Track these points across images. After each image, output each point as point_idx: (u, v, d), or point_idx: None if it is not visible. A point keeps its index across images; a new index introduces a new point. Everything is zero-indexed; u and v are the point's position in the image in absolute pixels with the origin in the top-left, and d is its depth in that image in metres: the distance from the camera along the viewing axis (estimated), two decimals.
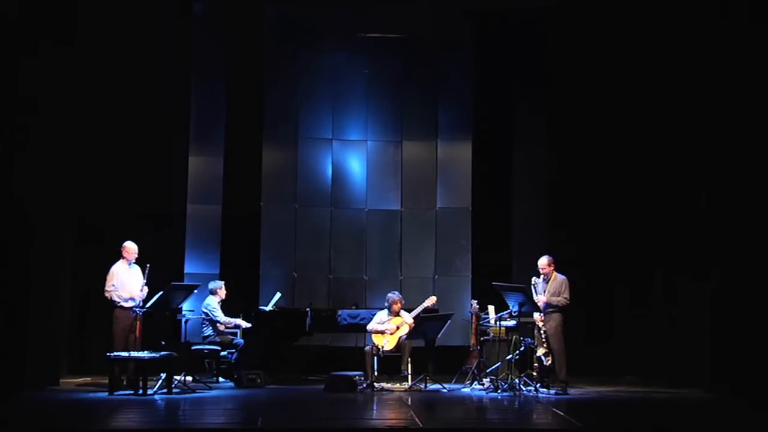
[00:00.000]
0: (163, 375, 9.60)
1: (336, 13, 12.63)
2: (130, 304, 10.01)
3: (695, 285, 10.76)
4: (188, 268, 11.99)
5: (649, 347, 11.46)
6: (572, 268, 10.51)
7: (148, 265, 10.05)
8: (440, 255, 12.49)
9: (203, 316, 10.86)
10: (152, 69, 11.81)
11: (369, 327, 10.85)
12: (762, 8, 9.85)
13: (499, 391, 9.90)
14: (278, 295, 11.36)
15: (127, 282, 10.05)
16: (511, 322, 10.38)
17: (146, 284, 10.01)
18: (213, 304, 10.87)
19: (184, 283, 11.10)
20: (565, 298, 9.97)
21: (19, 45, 9.97)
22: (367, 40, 12.70)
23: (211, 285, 11.02)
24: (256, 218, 12.31)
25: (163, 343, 9.87)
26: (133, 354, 9.59)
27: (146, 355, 9.55)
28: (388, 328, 10.68)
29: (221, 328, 10.84)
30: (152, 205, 11.88)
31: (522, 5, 12.32)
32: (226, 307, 11.01)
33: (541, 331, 9.99)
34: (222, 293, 10.98)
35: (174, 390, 9.59)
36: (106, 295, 10.00)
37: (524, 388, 9.94)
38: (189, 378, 10.27)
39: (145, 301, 10.04)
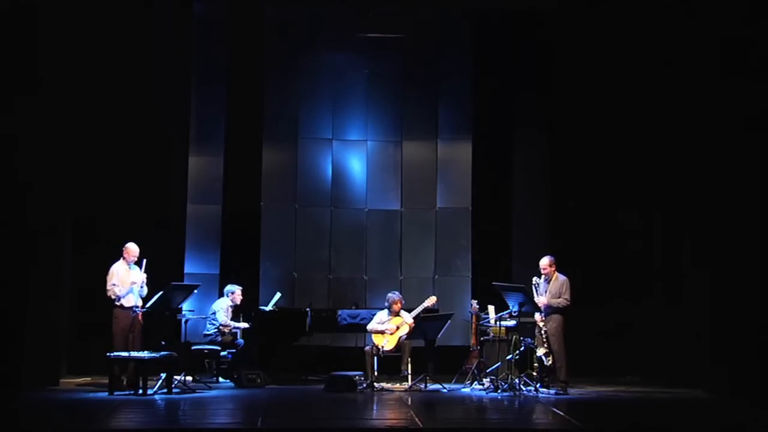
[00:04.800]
0: (163, 375, 9.61)
1: (336, 13, 12.62)
2: (130, 302, 10.02)
3: (696, 285, 10.76)
4: (188, 268, 11.98)
5: (650, 347, 11.46)
6: (572, 269, 10.51)
7: (144, 260, 10.08)
8: (440, 255, 12.48)
9: (210, 314, 10.92)
10: (152, 69, 11.80)
11: (369, 327, 10.85)
12: (759, 9, 9.85)
13: (499, 391, 9.90)
14: (278, 295, 11.36)
15: (126, 282, 10.05)
16: (511, 322, 10.38)
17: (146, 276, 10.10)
18: (222, 305, 10.92)
19: (184, 283, 11.11)
20: (566, 299, 9.96)
21: (18, 42, 9.97)
22: (367, 40, 12.68)
23: (226, 288, 11.08)
24: (256, 218, 12.31)
25: (163, 343, 9.88)
26: (133, 354, 9.60)
27: (146, 355, 9.55)
28: (388, 328, 10.69)
29: (223, 328, 10.85)
30: (152, 205, 11.88)
31: (522, 6, 12.31)
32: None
33: (542, 332, 9.99)
34: (235, 298, 11.01)
35: (174, 390, 9.60)
36: (108, 293, 10.01)
37: (524, 388, 9.94)
38: (189, 378, 10.27)
39: (145, 301, 10.05)
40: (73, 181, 11.18)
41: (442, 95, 12.68)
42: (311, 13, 12.60)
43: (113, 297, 10.00)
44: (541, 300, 9.98)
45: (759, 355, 9.66)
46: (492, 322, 10.67)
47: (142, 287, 10.10)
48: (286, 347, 11.33)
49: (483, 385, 10.34)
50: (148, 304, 9.97)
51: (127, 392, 9.51)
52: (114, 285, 10.00)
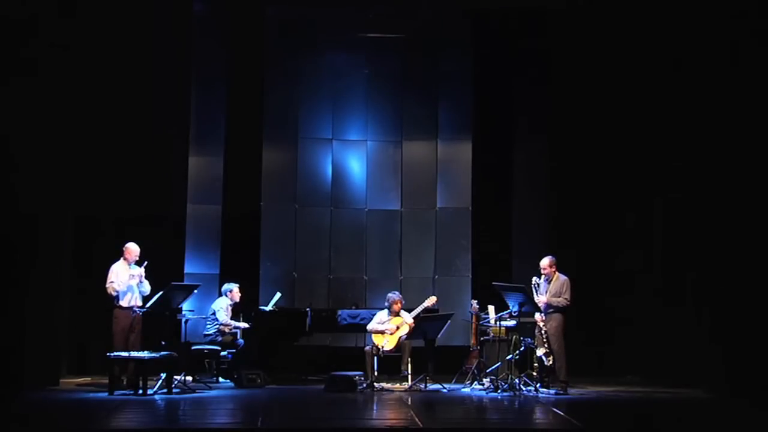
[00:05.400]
0: (163, 375, 9.61)
1: (336, 13, 12.62)
2: (129, 302, 10.03)
3: (696, 285, 10.76)
4: (188, 268, 11.98)
5: (650, 347, 11.46)
6: (572, 269, 10.51)
7: (146, 261, 10.09)
8: (440, 255, 12.48)
9: (210, 314, 10.92)
10: (152, 69, 11.81)
11: (369, 327, 10.85)
12: (762, 7, 9.86)
13: (499, 391, 9.90)
14: (278, 295, 11.36)
15: (124, 279, 10.05)
16: (511, 322, 10.38)
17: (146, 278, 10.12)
18: (222, 304, 10.92)
19: (184, 283, 11.11)
20: (566, 299, 9.97)
21: (19, 43, 9.97)
22: (367, 40, 12.69)
23: (224, 287, 11.08)
24: (256, 218, 12.31)
25: (163, 343, 9.88)
26: (133, 354, 9.60)
27: (146, 355, 9.55)
28: (388, 328, 10.69)
29: (223, 328, 10.86)
30: (152, 206, 11.89)
31: (522, 5, 12.32)
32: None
33: (542, 331, 9.99)
34: (234, 296, 11.01)
35: (174, 390, 9.59)
36: (108, 290, 10.00)
37: (524, 388, 9.94)
38: (189, 378, 10.27)
39: (145, 301, 10.06)
40: (74, 181, 11.18)
41: (442, 95, 12.68)
42: (311, 13, 12.60)
43: (113, 294, 10.00)
44: (541, 299, 9.99)
45: (759, 354, 9.65)
46: (492, 322, 10.66)
47: (141, 282, 10.09)
48: (286, 347, 11.33)
49: (483, 385, 10.34)
50: (148, 304, 9.97)
51: (127, 392, 9.51)
52: (112, 282, 10.00)
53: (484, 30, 12.63)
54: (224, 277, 11.63)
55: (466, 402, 9.60)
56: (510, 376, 10.02)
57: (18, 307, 9.86)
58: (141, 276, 10.09)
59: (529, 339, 10.29)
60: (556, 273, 10.11)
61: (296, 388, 10.58)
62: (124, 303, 10.03)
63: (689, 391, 10.27)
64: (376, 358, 10.51)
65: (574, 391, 10.08)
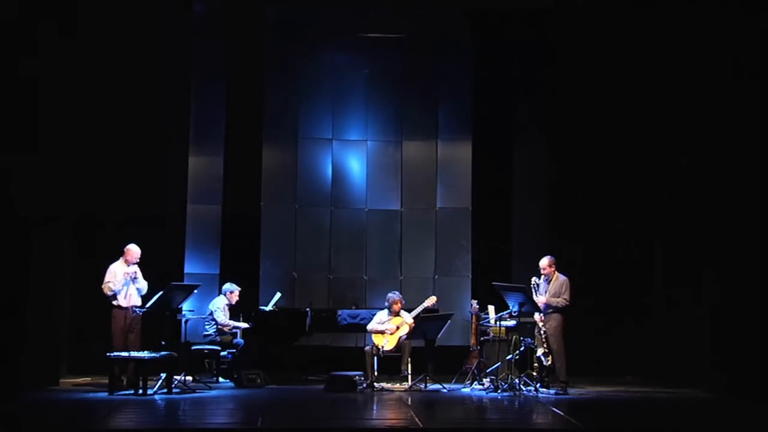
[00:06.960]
0: (163, 375, 9.61)
1: (336, 13, 12.62)
2: (128, 301, 10.03)
3: (695, 284, 10.76)
4: (188, 268, 11.99)
5: (649, 347, 11.46)
6: (572, 268, 10.52)
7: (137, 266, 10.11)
8: (440, 255, 12.48)
9: (208, 314, 10.91)
10: (152, 69, 11.80)
11: (369, 327, 10.85)
12: (761, 9, 9.85)
13: (499, 391, 9.90)
14: (278, 295, 11.36)
15: (120, 281, 10.05)
16: (511, 322, 10.38)
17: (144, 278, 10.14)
18: (219, 304, 10.91)
19: (184, 283, 11.11)
20: (565, 299, 9.97)
21: (18, 43, 9.97)
22: (367, 40, 12.69)
23: (225, 287, 11.06)
24: (256, 218, 12.31)
25: (163, 343, 9.88)
26: (133, 354, 9.61)
27: (146, 355, 9.56)
28: (388, 328, 10.69)
29: (223, 328, 10.85)
30: (152, 206, 11.88)
31: (522, 5, 12.32)
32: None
33: (541, 331, 10.00)
34: (232, 298, 11.00)
35: (174, 390, 9.60)
36: (104, 290, 10.00)
37: (524, 388, 9.94)
38: (189, 378, 10.28)
39: (145, 300, 10.06)
40: (74, 181, 11.18)
41: (442, 95, 12.68)
42: (311, 13, 12.61)
43: (108, 293, 10.01)
44: (540, 299, 9.99)
45: (759, 354, 9.65)
46: (492, 322, 10.67)
47: (136, 279, 10.08)
48: (286, 347, 11.34)
49: (483, 385, 10.34)
50: (148, 304, 9.97)
51: (127, 392, 9.51)
52: (108, 282, 10.00)
53: (484, 30, 12.62)
54: (224, 277, 11.64)
55: (466, 402, 9.60)
56: (510, 376, 10.03)
57: (18, 307, 9.85)
58: (135, 272, 10.09)
59: (529, 339, 10.30)
60: (556, 273, 10.12)
61: (296, 388, 10.58)
62: (122, 302, 10.03)
63: (689, 391, 10.27)
64: (376, 358, 10.51)
65: (574, 391, 10.08)
